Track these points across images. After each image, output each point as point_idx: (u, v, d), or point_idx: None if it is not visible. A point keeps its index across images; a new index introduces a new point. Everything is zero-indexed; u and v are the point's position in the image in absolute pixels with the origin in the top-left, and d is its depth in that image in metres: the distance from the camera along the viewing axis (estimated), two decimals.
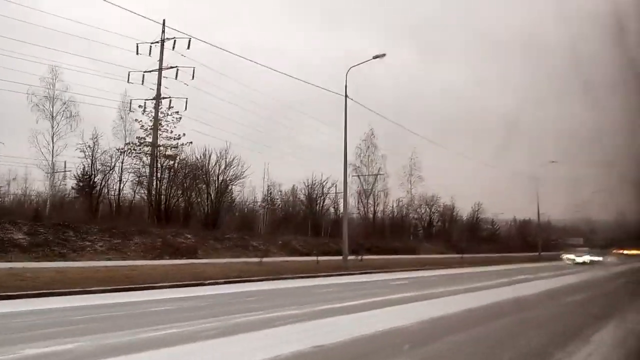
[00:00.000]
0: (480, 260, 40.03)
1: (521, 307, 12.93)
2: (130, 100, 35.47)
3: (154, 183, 36.36)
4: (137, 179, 36.67)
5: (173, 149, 36.17)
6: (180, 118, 35.57)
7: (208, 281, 16.88)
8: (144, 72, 35.63)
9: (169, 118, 35.69)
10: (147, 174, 36.39)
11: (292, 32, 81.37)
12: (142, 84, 35.46)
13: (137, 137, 34.77)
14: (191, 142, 36.40)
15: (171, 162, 36.15)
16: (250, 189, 43.65)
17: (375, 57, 25.46)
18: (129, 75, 34.79)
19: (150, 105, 35.33)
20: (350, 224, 54.12)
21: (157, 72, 35.06)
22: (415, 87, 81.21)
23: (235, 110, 51.38)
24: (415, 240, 57.36)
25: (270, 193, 43.53)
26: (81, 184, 35.68)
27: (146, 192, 37.04)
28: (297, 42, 78.81)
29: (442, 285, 18.56)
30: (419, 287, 17.51)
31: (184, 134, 36.07)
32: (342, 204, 56.96)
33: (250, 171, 43.65)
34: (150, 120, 35.17)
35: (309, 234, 45.10)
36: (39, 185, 35.68)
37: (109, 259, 23.78)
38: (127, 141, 35.06)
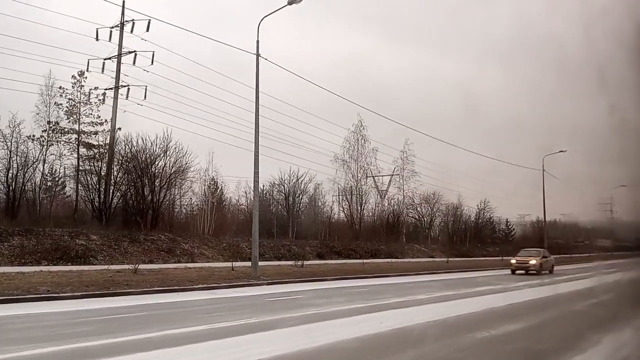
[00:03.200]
0: (466, 265, 33.75)
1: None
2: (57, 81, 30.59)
3: (84, 177, 31.69)
4: (62, 174, 31.90)
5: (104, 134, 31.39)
6: (103, 100, 30.68)
7: None
8: (104, 59, 31.52)
9: (92, 100, 30.77)
10: (76, 167, 31.67)
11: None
12: (102, 72, 31.28)
13: (48, 122, 29.78)
14: (120, 129, 31.42)
15: (94, 151, 31.17)
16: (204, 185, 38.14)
17: (290, 3, 19.75)
18: (88, 63, 30.70)
19: (70, 87, 30.40)
20: (332, 224, 48.88)
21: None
22: (414, 81, 74.78)
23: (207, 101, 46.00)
24: (411, 241, 50.95)
25: (219, 189, 37.99)
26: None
27: (82, 188, 32.56)
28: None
29: (329, 303, 12.72)
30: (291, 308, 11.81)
31: (106, 120, 31.23)
32: (326, 204, 51.91)
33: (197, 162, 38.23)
34: (68, 102, 30.23)
35: (275, 235, 39.53)
36: None
37: None
38: (45, 129, 30.10)
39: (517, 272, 27.78)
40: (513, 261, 29.01)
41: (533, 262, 27.89)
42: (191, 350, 7.06)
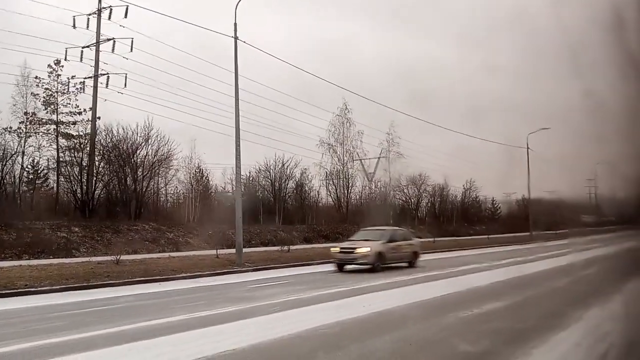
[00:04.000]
0: (452, 245, 34.07)
1: None
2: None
3: (65, 168, 31.14)
4: (43, 167, 31.31)
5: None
6: (82, 89, 30.05)
7: None
8: (82, 47, 30.71)
9: (71, 89, 30.14)
10: (56, 158, 31.10)
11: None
12: (81, 60, 30.52)
13: (25, 113, 29.19)
14: (99, 118, 30.82)
15: (74, 141, 30.63)
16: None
17: None
18: (66, 51, 29.92)
19: (46, 76, 29.71)
20: (320, 209, 48.78)
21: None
22: (396, 63, 74.31)
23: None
24: (399, 223, 51.00)
25: (204, 176, 37.60)
26: None
27: (63, 179, 32.08)
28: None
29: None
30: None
31: (85, 110, 30.70)
32: (313, 188, 51.73)
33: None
34: (44, 92, 29.56)
35: (262, 221, 39.31)
36: None
37: None
38: (22, 120, 29.46)
39: (348, 267, 17.69)
40: (336, 249, 18.33)
41: (363, 250, 17.06)
42: (165, 341, 6.89)
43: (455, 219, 57.58)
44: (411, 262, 19.18)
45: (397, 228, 20.86)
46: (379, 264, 17.12)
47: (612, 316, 8.29)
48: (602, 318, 8.02)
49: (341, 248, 18.23)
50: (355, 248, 17.52)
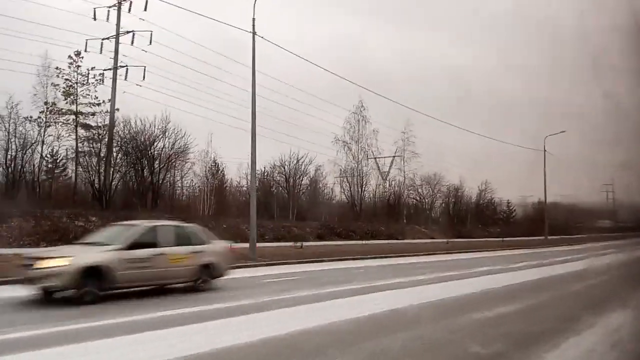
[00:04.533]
0: (465, 246, 33.77)
1: None
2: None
3: (83, 158, 31.60)
4: (62, 156, 31.82)
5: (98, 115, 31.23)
6: (102, 80, 30.37)
7: None
8: (102, 39, 31.07)
9: (90, 80, 30.52)
10: (75, 148, 31.58)
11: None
12: (101, 52, 30.91)
13: (45, 103, 29.62)
14: (118, 109, 31.12)
15: (93, 132, 31.03)
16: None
17: None
18: (86, 43, 30.31)
19: (67, 67, 30.13)
20: (333, 206, 48.85)
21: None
22: (411, 64, 73.85)
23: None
24: (412, 222, 50.95)
25: (220, 170, 37.88)
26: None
27: (82, 169, 32.56)
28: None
29: None
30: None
31: (104, 101, 31.00)
32: (327, 185, 51.75)
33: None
34: (64, 82, 30.00)
35: (275, 216, 39.51)
36: None
37: None
38: (42, 110, 29.93)
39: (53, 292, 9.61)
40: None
41: (51, 263, 9.23)
42: (174, 332, 6.93)
43: (470, 221, 57.19)
44: (197, 282, 11.37)
45: (172, 223, 13.00)
46: (92, 290, 9.32)
47: (627, 323, 8.20)
48: (617, 324, 7.92)
49: (24, 259, 10.15)
50: (38, 259, 9.56)
